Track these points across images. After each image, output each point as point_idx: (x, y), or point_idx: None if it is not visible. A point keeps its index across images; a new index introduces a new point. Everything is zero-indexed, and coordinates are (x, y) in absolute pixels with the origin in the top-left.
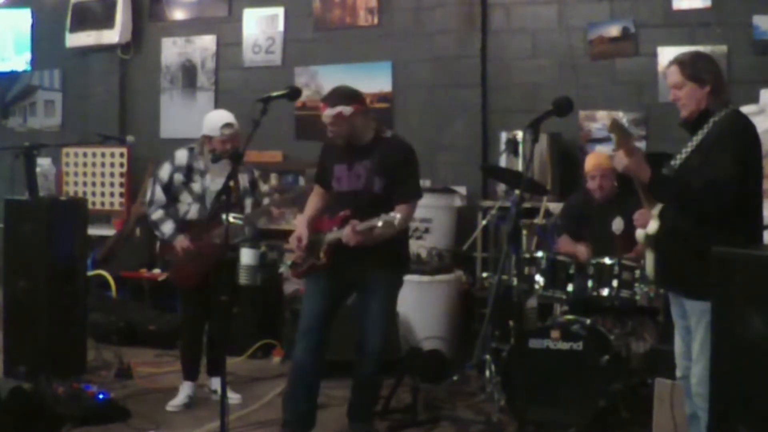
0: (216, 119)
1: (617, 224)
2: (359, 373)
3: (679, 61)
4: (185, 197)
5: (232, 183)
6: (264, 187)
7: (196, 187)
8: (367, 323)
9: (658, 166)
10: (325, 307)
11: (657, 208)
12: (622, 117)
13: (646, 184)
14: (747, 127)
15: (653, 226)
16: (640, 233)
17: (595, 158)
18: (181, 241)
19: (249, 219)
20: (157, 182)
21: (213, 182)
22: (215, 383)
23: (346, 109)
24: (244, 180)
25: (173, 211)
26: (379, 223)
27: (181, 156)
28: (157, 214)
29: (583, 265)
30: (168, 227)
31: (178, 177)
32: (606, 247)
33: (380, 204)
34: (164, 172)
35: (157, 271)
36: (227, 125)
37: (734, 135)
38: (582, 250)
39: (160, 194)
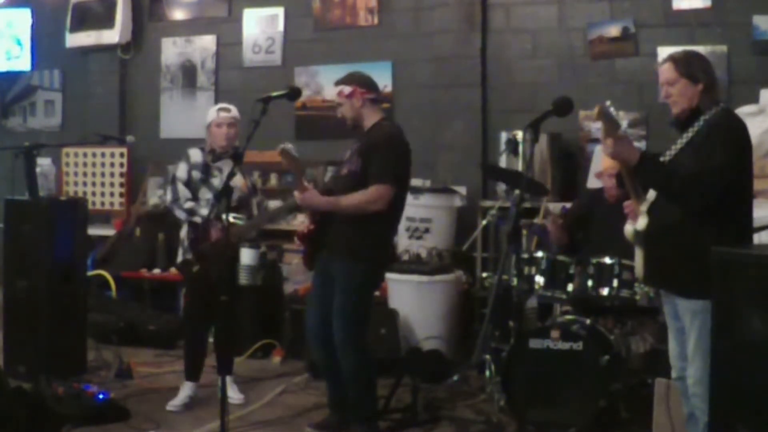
0: (213, 107)
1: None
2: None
3: (673, 58)
4: (204, 193)
5: (243, 182)
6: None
7: (216, 182)
8: (333, 313)
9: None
10: (324, 309)
11: (646, 204)
12: (609, 105)
13: (635, 166)
14: (738, 125)
15: (642, 222)
16: (628, 229)
17: None
18: (217, 230)
19: (263, 219)
20: (177, 180)
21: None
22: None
23: (345, 88)
24: (248, 181)
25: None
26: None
27: (195, 154)
28: (188, 205)
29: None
30: (204, 210)
31: (196, 174)
32: (618, 248)
33: (359, 184)
34: (181, 171)
35: (157, 271)
36: (223, 108)
37: (725, 132)
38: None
39: (183, 190)
